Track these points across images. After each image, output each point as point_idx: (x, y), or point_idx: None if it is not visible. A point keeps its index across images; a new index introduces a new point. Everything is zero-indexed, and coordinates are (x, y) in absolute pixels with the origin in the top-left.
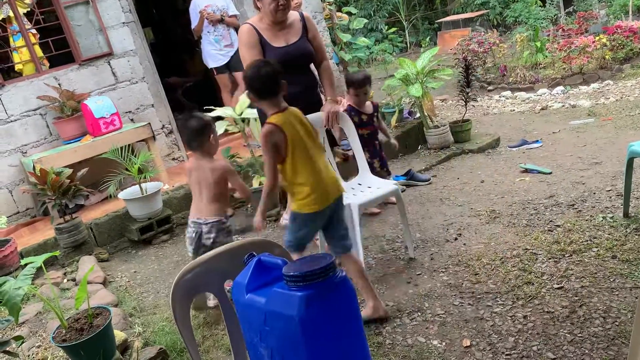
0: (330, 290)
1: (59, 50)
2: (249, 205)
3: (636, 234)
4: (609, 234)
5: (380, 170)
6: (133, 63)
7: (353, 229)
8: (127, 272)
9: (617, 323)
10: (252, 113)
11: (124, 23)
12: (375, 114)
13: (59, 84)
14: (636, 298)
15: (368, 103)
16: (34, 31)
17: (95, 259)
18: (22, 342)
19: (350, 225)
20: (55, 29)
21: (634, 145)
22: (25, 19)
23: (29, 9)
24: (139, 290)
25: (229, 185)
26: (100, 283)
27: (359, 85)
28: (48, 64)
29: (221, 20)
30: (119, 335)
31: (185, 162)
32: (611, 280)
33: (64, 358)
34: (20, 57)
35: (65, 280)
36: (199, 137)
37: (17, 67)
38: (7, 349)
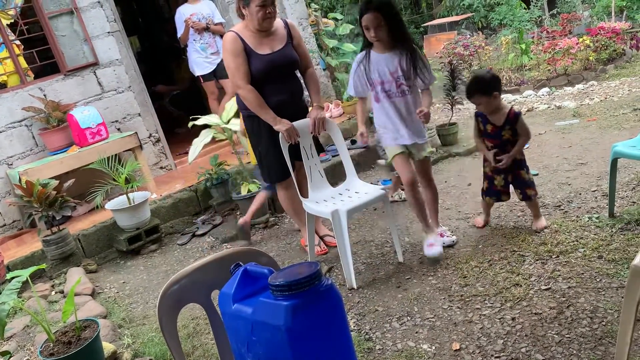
0: (316, 299)
1: (43, 61)
2: (238, 214)
3: (621, 234)
4: (595, 234)
5: (502, 189)
6: (119, 72)
7: (341, 235)
8: (116, 282)
9: (604, 323)
10: (238, 124)
11: (109, 32)
12: (508, 127)
13: (44, 95)
14: (622, 297)
15: (504, 112)
16: (18, 42)
17: (84, 271)
18: (10, 357)
19: (338, 232)
20: (39, 39)
21: (618, 146)
22: (9, 30)
23: (12, 20)
24: (128, 301)
25: None
26: (89, 294)
27: (470, 93)
28: (33, 75)
29: (207, 28)
30: (107, 347)
31: (173, 170)
32: (598, 280)
33: None
34: (4, 69)
35: (53, 293)
36: None
37: (1, 78)
38: None
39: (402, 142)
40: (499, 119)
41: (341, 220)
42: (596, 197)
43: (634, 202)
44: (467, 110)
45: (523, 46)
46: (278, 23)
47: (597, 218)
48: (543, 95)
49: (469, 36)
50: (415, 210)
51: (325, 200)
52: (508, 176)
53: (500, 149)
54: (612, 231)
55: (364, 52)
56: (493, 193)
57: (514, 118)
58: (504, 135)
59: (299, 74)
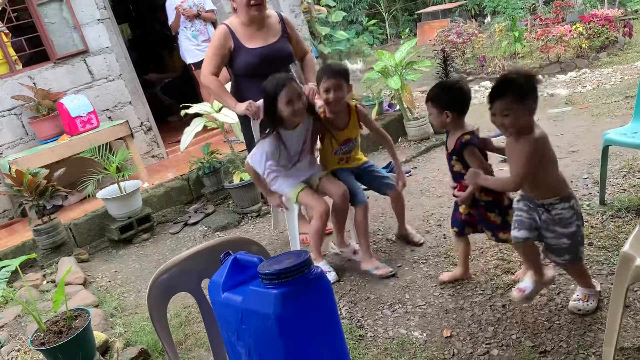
0: (306, 287)
1: (32, 48)
2: (231, 202)
3: (612, 221)
4: (585, 222)
5: (466, 218)
6: (109, 60)
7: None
8: (108, 272)
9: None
10: (231, 115)
11: (99, 20)
12: (455, 157)
13: (34, 83)
14: (612, 284)
15: (457, 136)
16: (6, 30)
17: (75, 260)
18: (1, 346)
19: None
20: (28, 27)
21: (609, 134)
22: None
23: (0, 8)
24: (120, 290)
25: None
26: (81, 284)
27: (427, 97)
28: (22, 63)
29: (198, 16)
30: (99, 336)
31: (164, 159)
32: (588, 267)
33: None
34: None
35: (44, 282)
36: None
37: None
38: None
39: (298, 179)
40: (451, 143)
41: None
42: (587, 185)
43: (625, 190)
44: None
45: (516, 34)
46: (272, 16)
47: (588, 205)
48: None
49: (462, 24)
50: (317, 239)
51: None
52: (472, 210)
53: (454, 180)
54: (602, 218)
55: (272, 137)
56: (456, 223)
57: (459, 147)
58: (453, 165)
59: (293, 70)
